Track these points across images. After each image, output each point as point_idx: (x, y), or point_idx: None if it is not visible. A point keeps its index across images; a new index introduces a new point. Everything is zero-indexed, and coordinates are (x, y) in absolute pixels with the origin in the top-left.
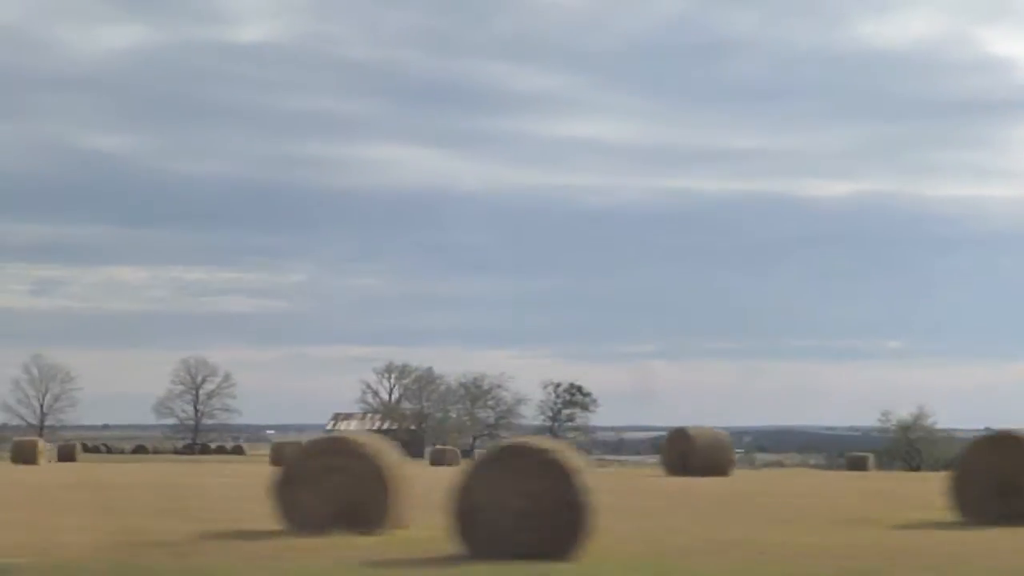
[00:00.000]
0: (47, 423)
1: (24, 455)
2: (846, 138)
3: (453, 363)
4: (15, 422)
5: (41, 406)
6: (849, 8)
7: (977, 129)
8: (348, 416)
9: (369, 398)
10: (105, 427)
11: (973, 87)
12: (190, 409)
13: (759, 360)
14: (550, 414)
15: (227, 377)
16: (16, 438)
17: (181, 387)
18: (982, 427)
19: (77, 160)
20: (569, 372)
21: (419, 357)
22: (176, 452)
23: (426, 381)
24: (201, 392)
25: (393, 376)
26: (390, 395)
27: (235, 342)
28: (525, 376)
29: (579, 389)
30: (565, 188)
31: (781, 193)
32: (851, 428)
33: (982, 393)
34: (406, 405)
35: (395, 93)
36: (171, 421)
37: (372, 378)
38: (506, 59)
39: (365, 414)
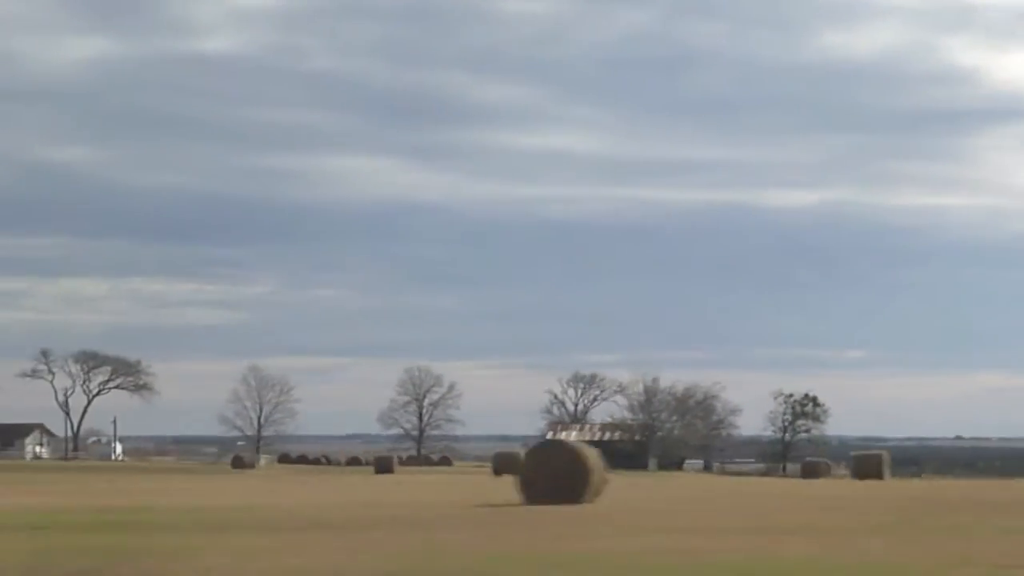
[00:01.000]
0: (264, 434)
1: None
2: (811, 149)
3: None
4: (231, 434)
5: (259, 418)
6: (815, 20)
7: (940, 140)
8: (568, 426)
9: (556, 409)
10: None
11: (937, 97)
12: (414, 420)
13: (723, 370)
14: (781, 425)
15: (451, 387)
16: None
17: (406, 397)
18: (952, 435)
19: (37, 172)
20: (531, 383)
21: (385, 368)
22: (402, 463)
23: (652, 393)
24: (426, 403)
25: (581, 386)
26: (576, 406)
27: (193, 354)
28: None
29: (813, 400)
30: (529, 200)
31: (745, 204)
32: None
33: (946, 403)
34: (625, 416)
35: (360, 104)
36: (396, 431)
37: (557, 388)
38: (471, 71)
39: (583, 425)
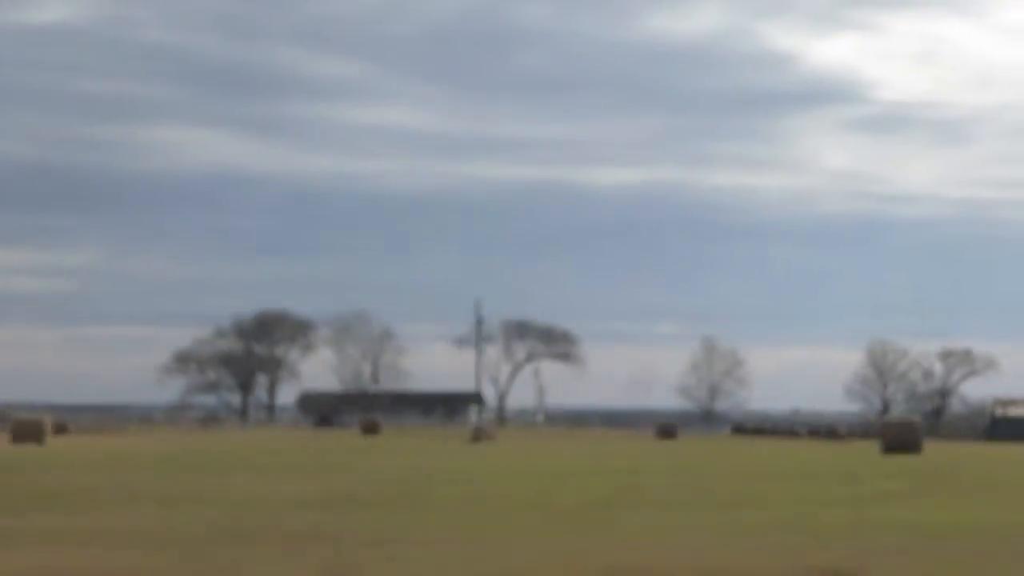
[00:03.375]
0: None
1: None
2: (634, 128)
3: None
4: (688, 406)
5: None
6: (640, 2)
7: (756, 121)
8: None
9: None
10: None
11: (754, 80)
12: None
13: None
14: None
15: None
16: None
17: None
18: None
19: None
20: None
21: (195, 340)
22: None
23: None
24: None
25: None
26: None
27: (18, 321)
28: None
29: None
30: (357, 175)
31: (566, 180)
32: None
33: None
34: None
35: (190, 76)
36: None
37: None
38: (304, 45)
39: None
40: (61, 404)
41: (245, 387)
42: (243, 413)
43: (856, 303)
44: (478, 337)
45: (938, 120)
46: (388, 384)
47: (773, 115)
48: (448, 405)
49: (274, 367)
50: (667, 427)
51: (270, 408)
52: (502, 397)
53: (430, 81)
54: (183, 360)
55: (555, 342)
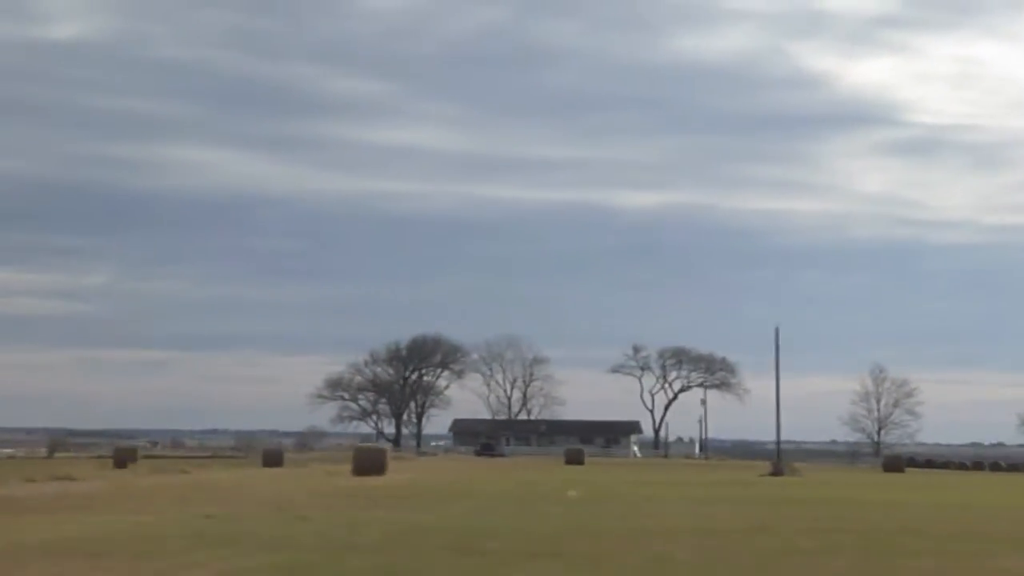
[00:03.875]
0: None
1: None
2: (659, 150)
3: (248, 367)
4: (853, 438)
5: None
6: (670, 22)
7: (788, 144)
8: None
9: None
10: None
11: (786, 101)
12: None
13: (561, 369)
14: None
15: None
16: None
17: None
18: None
19: None
20: None
21: (217, 363)
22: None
23: None
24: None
25: None
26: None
27: (26, 343)
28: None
29: None
30: (376, 194)
31: (592, 203)
32: None
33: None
34: None
35: (207, 95)
36: None
37: None
38: (322, 63)
39: None
40: (79, 429)
41: (398, 414)
42: (396, 441)
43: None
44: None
45: (974, 144)
46: (537, 412)
47: (804, 137)
48: (606, 433)
49: (425, 393)
50: (893, 461)
51: (416, 435)
52: (658, 426)
53: (451, 101)
54: (334, 386)
55: (714, 371)
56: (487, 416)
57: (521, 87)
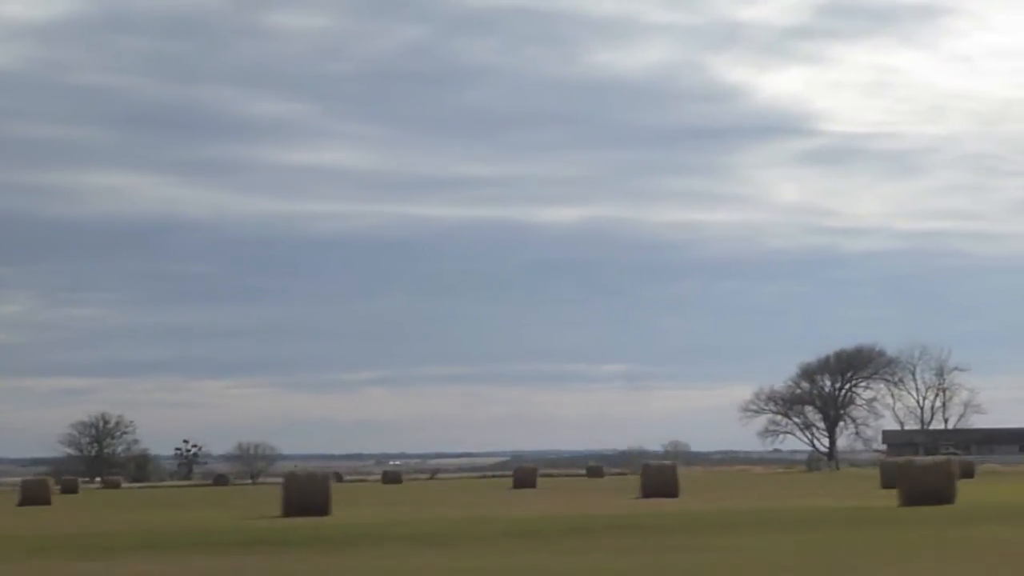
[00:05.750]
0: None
1: None
2: (578, 165)
3: (170, 392)
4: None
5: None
6: (587, 38)
7: (706, 155)
8: None
9: None
10: None
11: (703, 114)
12: None
13: (481, 385)
14: None
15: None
16: None
17: None
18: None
19: None
20: (287, 402)
21: (135, 388)
22: None
23: None
24: None
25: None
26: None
27: None
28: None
29: None
30: (294, 216)
31: (511, 220)
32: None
33: (700, 415)
34: None
35: (123, 120)
36: None
37: None
38: (240, 85)
39: None
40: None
41: (832, 428)
42: (830, 456)
43: None
44: None
45: (888, 151)
46: (955, 419)
47: (721, 149)
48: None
49: (852, 405)
50: None
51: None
52: None
53: (371, 121)
54: (764, 399)
55: None
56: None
57: (441, 105)
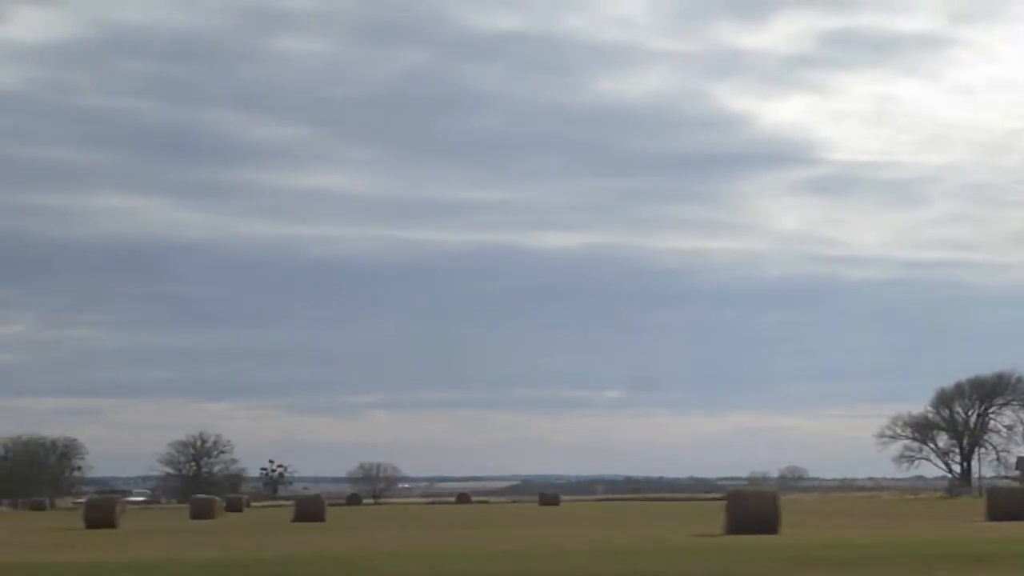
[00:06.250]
0: None
1: None
2: (580, 191)
3: (172, 415)
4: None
5: None
6: (589, 65)
7: (707, 183)
8: None
9: None
10: None
11: (705, 141)
12: None
13: (482, 410)
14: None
15: None
16: None
17: None
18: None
19: None
20: (290, 425)
21: (139, 410)
22: None
23: None
24: None
25: None
26: None
27: None
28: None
29: None
30: (295, 239)
31: (513, 245)
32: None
33: (700, 442)
34: None
35: (127, 143)
36: None
37: None
38: (243, 109)
39: None
40: None
41: (967, 456)
42: (966, 482)
43: None
44: None
45: (888, 181)
46: None
47: (723, 177)
48: None
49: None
50: None
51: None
52: None
53: (371, 145)
54: (903, 425)
55: None
56: None
57: (443, 131)
